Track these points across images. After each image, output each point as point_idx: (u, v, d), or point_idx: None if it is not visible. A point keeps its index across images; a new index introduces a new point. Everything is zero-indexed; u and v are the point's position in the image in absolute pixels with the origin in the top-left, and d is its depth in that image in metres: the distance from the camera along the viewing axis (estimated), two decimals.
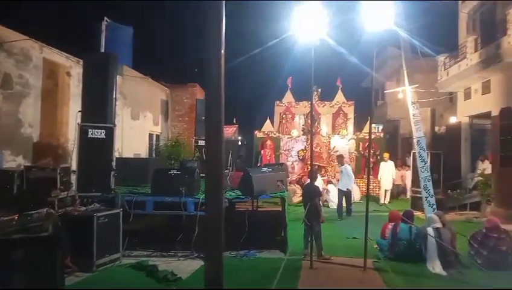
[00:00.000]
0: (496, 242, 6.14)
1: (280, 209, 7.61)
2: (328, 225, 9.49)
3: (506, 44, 10.49)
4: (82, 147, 7.02)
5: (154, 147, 16.62)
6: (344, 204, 11.37)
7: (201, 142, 11.00)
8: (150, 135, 16.76)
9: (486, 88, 13.01)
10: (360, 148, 16.52)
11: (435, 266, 5.96)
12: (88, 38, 13.22)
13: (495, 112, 12.41)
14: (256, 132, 16.46)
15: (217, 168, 2.58)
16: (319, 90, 16.96)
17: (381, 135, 17.53)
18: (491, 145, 13.43)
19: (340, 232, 8.91)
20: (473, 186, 13.02)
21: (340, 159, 12.31)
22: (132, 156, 13.32)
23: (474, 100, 13.99)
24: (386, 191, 14.18)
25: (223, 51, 2.54)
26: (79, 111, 7.35)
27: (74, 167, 7.15)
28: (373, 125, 19.41)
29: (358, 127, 17.74)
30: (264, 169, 7.81)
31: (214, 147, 2.56)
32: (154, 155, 15.90)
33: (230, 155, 9.56)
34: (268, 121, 16.59)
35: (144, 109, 16.04)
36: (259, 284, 4.84)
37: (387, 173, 14.18)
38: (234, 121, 21.32)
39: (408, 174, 14.60)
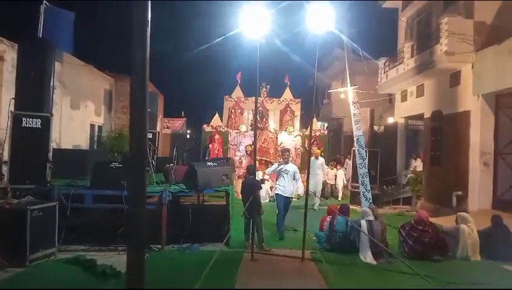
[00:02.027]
0: (420, 234, 6.68)
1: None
2: (271, 217, 9.72)
3: (439, 51, 11.34)
4: (15, 136, 6.62)
5: (95, 138, 15.95)
6: None
7: (148, 135, 10.78)
8: (92, 126, 16.05)
9: (420, 91, 14.00)
10: (306, 145, 17.03)
11: (367, 256, 6.38)
12: (24, 21, 12.35)
13: (427, 114, 13.41)
14: (204, 125, 16.38)
15: (139, 161, 2.54)
16: (268, 87, 17.22)
17: (325, 132, 18.16)
18: (423, 145, 14.48)
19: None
20: (406, 183, 13.99)
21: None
22: (71, 148, 12.70)
23: (409, 102, 14.99)
24: (315, 192, 12.16)
25: (148, 37, 2.48)
26: (12, 98, 6.90)
27: (6, 157, 6.72)
28: (318, 123, 20.14)
29: (304, 124, 18.26)
30: (209, 163, 7.84)
31: (137, 139, 2.51)
32: (95, 147, 15.27)
33: (175, 148, 9.46)
34: (217, 115, 16.57)
35: (86, 99, 15.32)
36: (195, 277, 4.89)
37: (313, 169, 12.16)
38: (182, 114, 21.05)
39: (340, 173, 14.65)
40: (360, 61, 16.01)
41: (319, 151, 13.22)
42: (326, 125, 24.05)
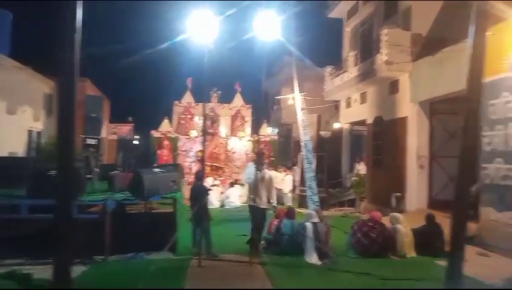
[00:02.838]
0: (369, 229, 7.09)
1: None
2: (220, 223, 9.71)
3: (379, 61, 12.00)
4: None
5: (34, 145, 15.01)
6: None
7: (91, 141, 10.36)
8: (30, 132, 15.11)
9: (363, 98, 14.71)
10: (256, 150, 17.22)
11: (312, 258, 6.59)
12: None
13: (370, 120, 14.11)
14: (152, 131, 16.02)
15: (67, 167, 2.45)
16: (219, 92, 17.24)
17: (276, 137, 18.47)
18: (366, 149, 15.19)
19: (231, 230, 9.21)
20: (351, 185, 14.59)
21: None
22: (7, 155, 11.88)
23: (353, 109, 15.69)
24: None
25: (77, 38, 2.40)
26: None
27: None
28: (269, 128, 20.40)
29: (255, 129, 18.46)
30: (157, 170, 7.70)
31: (64, 144, 2.41)
32: (34, 154, 14.38)
33: (121, 155, 9.18)
34: (166, 120, 16.29)
35: (23, 103, 14.41)
36: (140, 287, 4.78)
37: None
38: (130, 120, 20.42)
39: (288, 179, 14.22)
40: (307, 68, 16.49)
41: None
42: (276, 130, 24.48)
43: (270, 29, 6.52)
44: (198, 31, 6.49)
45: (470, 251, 7.56)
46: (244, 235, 8.26)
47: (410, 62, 11.43)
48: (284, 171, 15.22)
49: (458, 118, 11.11)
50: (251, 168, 9.14)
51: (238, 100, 17.61)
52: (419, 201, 11.18)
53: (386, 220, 8.32)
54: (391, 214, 7.73)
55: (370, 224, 7.18)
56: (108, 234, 6.48)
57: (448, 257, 2.53)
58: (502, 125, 7.56)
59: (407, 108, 11.66)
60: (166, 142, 15.81)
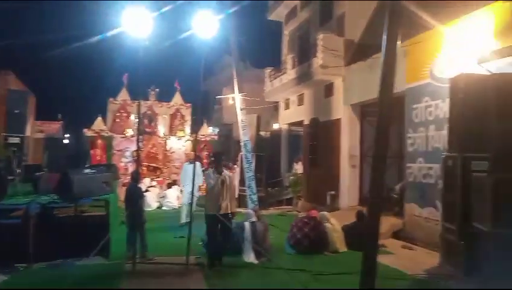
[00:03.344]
0: (303, 224, 7.36)
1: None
2: (157, 225, 9.44)
3: (315, 64, 12.45)
4: None
5: None
6: None
7: (13, 139, 9.53)
8: None
9: (300, 100, 15.16)
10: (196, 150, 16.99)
11: (249, 257, 6.64)
12: None
13: (306, 121, 14.59)
14: (85, 130, 15.13)
15: None
16: (157, 90, 16.74)
17: (216, 137, 18.37)
18: (303, 149, 15.67)
19: (168, 232, 8.99)
20: (289, 185, 14.96)
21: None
22: None
23: (292, 110, 16.12)
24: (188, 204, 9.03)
25: None
26: None
27: None
28: (209, 128, 20.25)
29: (195, 129, 18.20)
30: (87, 170, 7.27)
31: None
32: None
33: (47, 154, 8.54)
34: (100, 118, 15.44)
35: None
36: None
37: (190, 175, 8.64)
38: (59, 117, 19.10)
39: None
40: (248, 69, 16.59)
41: (191, 154, 11.35)
42: (217, 130, 24.38)
43: (210, 28, 6.44)
44: (133, 26, 6.24)
45: (396, 245, 8.16)
46: (182, 237, 8.10)
47: (344, 67, 12.00)
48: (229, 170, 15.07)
49: None
50: (189, 167, 9.00)
51: (177, 99, 17.23)
52: (352, 199, 11.78)
53: None
54: (320, 213, 8.06)
55: (305, 220, 7.49)
56: (32, 239, 5.99)
57: (363, 253, 2.66)
58: (424, 127, 8.21)
59: (341, 110, 12.23)
60: (99, 142, 15.01)
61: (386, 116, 2.34)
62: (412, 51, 8.64)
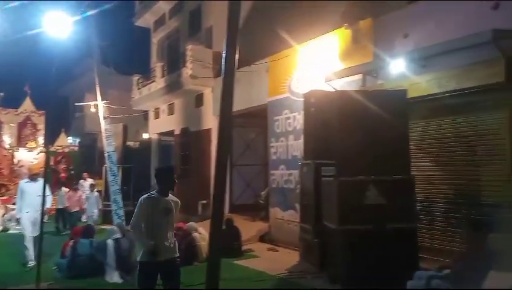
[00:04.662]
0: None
1: None
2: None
3: (185, 74, 12.51)
4: None
5: None
6: None
7: None
8: None
9: (171, 110, 15.02)
10: (52, 163, 15.27)
11: (113, 276, 6.23)
12: None
13: (177, 131, 14.51)
14: None
15: None
16: (1, 94, 14.57)
17: (77, 148, 16.85)
18: (174, 159, 15.50)
19: (15, 258, 7.81)
20: None
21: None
22: None
23: (162, 119, 15.83)
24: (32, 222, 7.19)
25: None
26: None
27: None
28: (69, 138, 18.44)
29: (51, 139, 16.34)
30: None
31: None
32: None
33: None
34: None
35: None
36: None
37: (32, 196, 7.02)
38: None
39: (93, 196, 11.53)
40: (114, 75, 15.69)
41: (36, 167, 9.09)
42: (77, 140, 22.32)
43: (64, 29, 5.93)
44: None
45: (262, 248, 8.70)
46: (31, 261, 7.14)
47: (212, 78, 12.35)
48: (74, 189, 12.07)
49: (252, 131, 12.72)
50: (28, 185, 6.98)
51: (27, 105, 15.28)
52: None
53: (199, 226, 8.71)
54: (188, 223, 8.11)
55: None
56: None
57: (207, 264, 2.75)
58: (284, 137, 9.01)
59: (211, 120, 12.53)
60: None
61: (226, 128, 2.49)
62: (274, 67, 9.44)
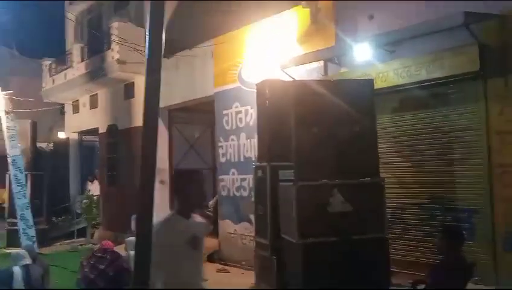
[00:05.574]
0: (97, 260, 6.99)
1: None
2: None
3: (110, 58, 12.18)
4: None
5: None
6: None
7: None
8: None
9: (94, 102, 14.58)
10: None
11: None
12: None
13: (102, 129, 14.10)
14: None
15: None
16: None
17: None
18: (99, 164, 15.07)
19: None
20: (81, 211, 14.14)
21: None
22: None
23: (83, 114, 15.32)
24: None
25: None
26: None
27: None
28: None
29: None
30: None
31: None
32: None
33: None
34: None
35: None
36: None
37: None
38: None
39: None
40: (17, 59, 14.95)
41: None
42: None
43: None
44: None
45: (211, 269, 8.70)
46: None
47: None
48: None
49: (195, 128, 12.67)
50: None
51: None
52: (161, 217, 11.92)
53: (123, 248, 8.50)
54: (126, 239, 7.94)
55: (98, 255, 7.12)
56: None
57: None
58: (235, 135, 9.06)
59: None
60: None
61: (151, 121, 2.45)
62: (220, 52, 9.44)
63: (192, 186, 3.13)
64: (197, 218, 3.17)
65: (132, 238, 8.00)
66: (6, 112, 10.44)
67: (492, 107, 5.46)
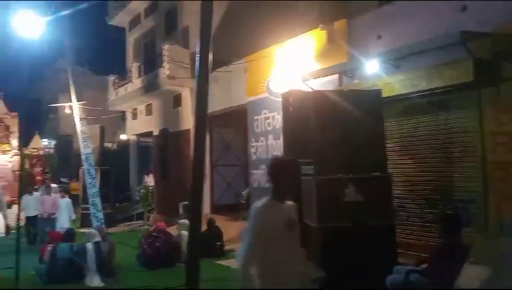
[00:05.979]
0: (153, 239, 7.25)
1: None
2: None
3: (162, 75, 12.36)
4: None
5: None
6: None
7: None
8: None
9: (149, 110, 14.82)
10: (27, 166, 14.85)
11: (93, 280, 6.16)
12: None
13: (156, 132, 14.33)
14: None
15: None
16: None
17: (52, 151, 16.45)
18: (153, 161, 15.33)
19: None
20: (139, 198, 14.43)
21: None
22: None
23: (140, 120, 15.61)
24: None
25: None
26: None
27: None
28: (45, 140, 17.97)
29: (25, 141, 15.89)
30: None
31: None
32: None
33: None
34: None
35: None
36: None
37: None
38: None
39: (64, 202, 10.04)
40: (89, 75, 15.35)
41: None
42: (53, 142, 21.74)
43: (35, 29, 5.79)
44: None
45: None
46: (9, 267, 6.96)
47: (191, 78, 12.25)
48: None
49: (231, 131, 12.71)
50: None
51: None
52: (204, 207, 12.02)
53: (174, 229, 8.64)
54: (179, 221, 8.06)
55: (154, 234, 7.34)
56: None
57: (186, 264, 2.68)
58: (264, 137, 9.05)
59: (190, 121, 12.44)
60: None
61: (201, 126, 2.48)
62: (252, 67, 9.46)
63: (288, 173, 2.74)
64: (289, 202, 2.79)
65: (183, 221, 8.10)
66: (81, 119, 10.74)
67: (485, 112, 5.28)
